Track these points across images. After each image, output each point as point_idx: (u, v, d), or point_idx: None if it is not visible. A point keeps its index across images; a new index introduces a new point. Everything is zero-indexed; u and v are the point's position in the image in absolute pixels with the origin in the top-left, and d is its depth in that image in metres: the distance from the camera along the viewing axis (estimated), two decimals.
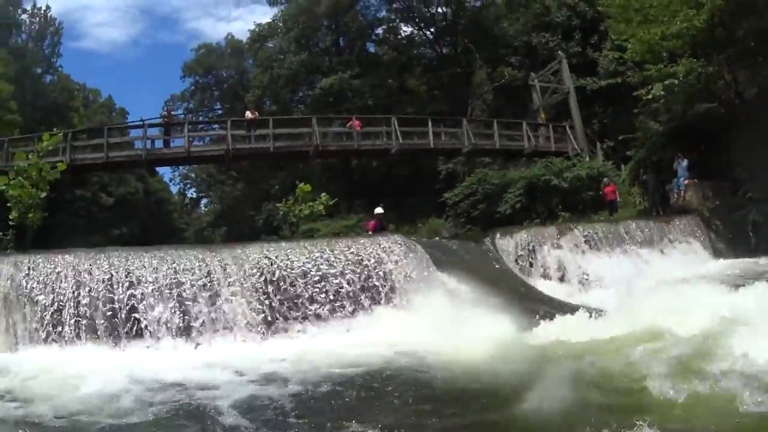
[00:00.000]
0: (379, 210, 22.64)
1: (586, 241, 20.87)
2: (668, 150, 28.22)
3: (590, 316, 12.07)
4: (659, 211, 27.14)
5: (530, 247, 19.96)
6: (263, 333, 12.55)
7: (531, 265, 19.60)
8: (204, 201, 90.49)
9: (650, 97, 27.89)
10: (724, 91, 29.20)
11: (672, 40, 26.76)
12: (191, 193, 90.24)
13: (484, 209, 32.09)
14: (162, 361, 10.71)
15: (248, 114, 33.09)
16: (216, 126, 39.27)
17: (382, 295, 13.96)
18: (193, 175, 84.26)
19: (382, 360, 10.41)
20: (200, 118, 67.52)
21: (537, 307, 14.54)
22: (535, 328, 12.23)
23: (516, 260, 19.56)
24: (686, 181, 26.17)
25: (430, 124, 33.80)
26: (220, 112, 70.95)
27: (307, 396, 8.54)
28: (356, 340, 12.11)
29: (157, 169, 69.05)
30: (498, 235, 20.39)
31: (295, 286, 13.38)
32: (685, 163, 26.18)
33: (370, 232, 21.26)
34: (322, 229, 32.17)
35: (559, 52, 37.20)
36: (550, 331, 11.75)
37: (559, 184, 29.40)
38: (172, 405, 8.18)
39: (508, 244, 19.89)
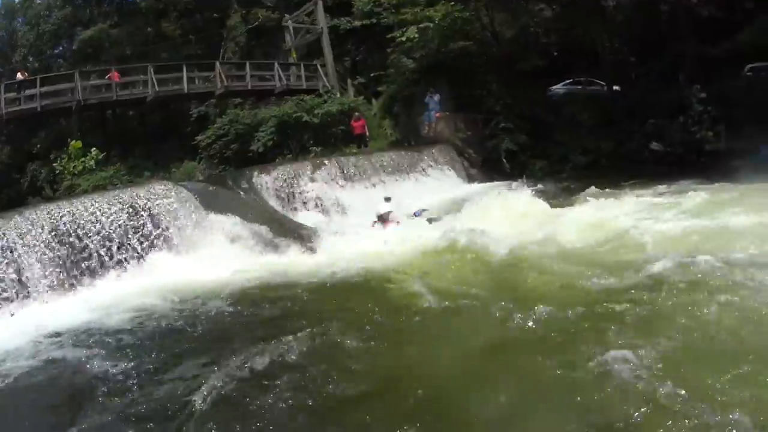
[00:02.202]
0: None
1: (340, 173, 21.39)
2: (421, 85, 28.81)
3: (340, 242, 14.75)
4: (410, 142, 27.82)
5: (287, 183, 20.26)
6: (59, 291, 12.49)
7: (290, 199, 19.94)
8: None
9: (404, 39, 28.34)
10: (479, 32, 30.27)
11: None
12: None
13: (236, 149, 31.88)
14: None
15: (19, 75, 32.45)
16: None
17: (157, 241, 14.14)
18: None
19: (167, 302, 10.90)
20: None
21: (300, 237, 15.43)
22: (302, 255, 13.96)
23: (275, 196, 19.87)
24: (438, 114, 26.83)
25: (184, 69, 33.30)
26: None
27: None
28: (140, 286, 12.27)
29: None
30: (256, 173, 20.60)
31: (78, 240, 13.32)
32: (437, 97, 26.82)
33: None
34: (84, 184, 30.70)
35: None
36: (316, 257, 13.63)
37: (311, 120, 29.56)
38: None
39: (265, 181, 20.10)
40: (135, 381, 7.63)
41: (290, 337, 8.03)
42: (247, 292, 11.07)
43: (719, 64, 26.73)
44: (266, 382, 7.03)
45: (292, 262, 13.17)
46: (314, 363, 7.46)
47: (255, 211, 16.98)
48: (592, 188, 17.51)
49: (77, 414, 6.95)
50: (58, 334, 9.81)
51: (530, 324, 7.79)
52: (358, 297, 10.06)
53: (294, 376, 7.13)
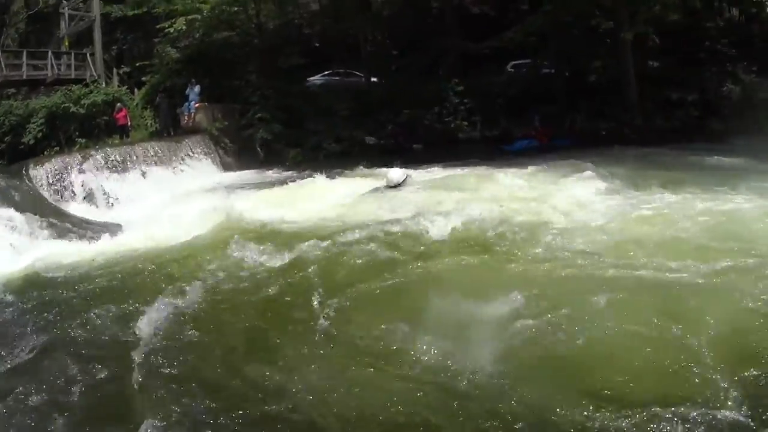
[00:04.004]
0: None
1: (106, 164, 22.36)
2: (183, 75, 29.84)
3: (111, 232, 15.14)
4: (170, 133, 28.53)
5: (59, 175, 21.11)
6: None
7: (62, 191, 20.82)
8: None
9: (172, 30, 29.42)
10: (245, 23, 31.47)
11: None
12: None
13: (10, 141, 31.20)
14: None
15: None
16: None
17: None
18: None
19: None
20: None
21: (73, 227, 15.90)
22: (75, 245, 14.13)
23: (49, 188, 20.62)
24: (197, 104, 27.72)
25: None
26: None
27: None
28: None
29: None
30: (31, 166, 21.18)
31: None
32: (197, 88, 27.74)
33: None
34: None
35: None
36: (84, 248, 13.83)
37: (77, 110, 29.38)
38: None
39: (40, 174, 20.77)
40: None
41: (71, 326, 8.54)
42: (26, 281, 11.21)
43: (485, 60, 29.18)
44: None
45: (67, 252, 13.15)
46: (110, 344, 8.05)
47: (32, 204, 17.34)
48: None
49: None
50: None
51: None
52: (133, 280, 10.59)
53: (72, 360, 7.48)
